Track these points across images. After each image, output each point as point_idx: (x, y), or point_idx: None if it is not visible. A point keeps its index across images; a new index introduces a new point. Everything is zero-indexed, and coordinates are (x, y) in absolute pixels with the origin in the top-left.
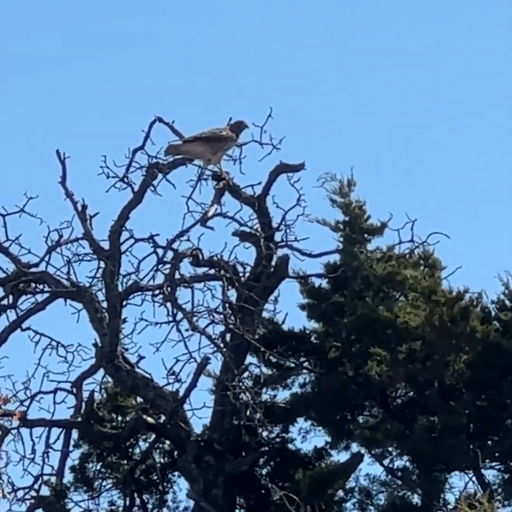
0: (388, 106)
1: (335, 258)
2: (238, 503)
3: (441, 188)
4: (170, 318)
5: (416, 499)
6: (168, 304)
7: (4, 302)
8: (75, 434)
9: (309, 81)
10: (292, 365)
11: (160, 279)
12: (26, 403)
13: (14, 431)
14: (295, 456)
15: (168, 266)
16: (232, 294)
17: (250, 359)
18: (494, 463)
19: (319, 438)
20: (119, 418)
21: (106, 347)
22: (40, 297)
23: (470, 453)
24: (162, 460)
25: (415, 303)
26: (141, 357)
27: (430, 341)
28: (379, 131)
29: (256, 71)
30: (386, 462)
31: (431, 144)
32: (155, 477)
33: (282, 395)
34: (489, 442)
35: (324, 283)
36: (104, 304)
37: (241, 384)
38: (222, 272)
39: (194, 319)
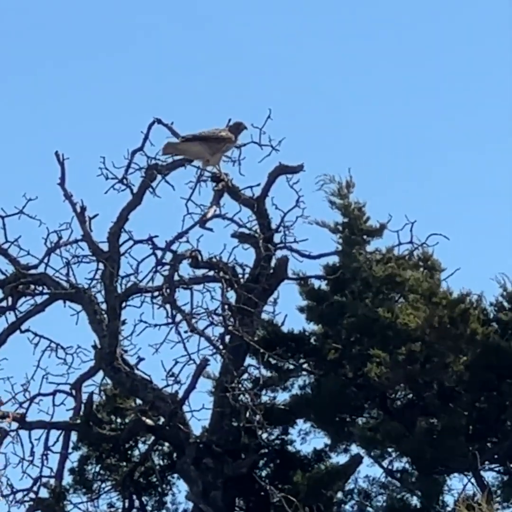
0: (387, 107)
1: (335, 259)
2: (238, 505)
3: (440, 189)
4: (169, 320)
5: (415, 501)
6: (167, 306)
7: (3, 304)
8: (74, 436)
9: (309, 81)
10: (292, 366)
11: (159, 280)
12: (25, 405)
13: (13, 433)
14: (294, 458)
15: (167, 267)
16: (231, 296)
17: (249, 360)
18: (493, 465)
19: (318, 440)
20: (118, 420)
21: (105, 349)
22: (39, 299)
23: (469, 455)
24: (161, 462)
25: (415, 304)
26: (140, 359)
27: (430, 343)
28: (378, 132)
29: (256, 71)
30: (385, 463)
31: (431, 145)
32: (154, 479)
33: (282, 397)
34: (489, 444)
35: (323, 284)
36: (103, 306)
37: (240, 385)
38: (221, 273)
39: (193, 320)
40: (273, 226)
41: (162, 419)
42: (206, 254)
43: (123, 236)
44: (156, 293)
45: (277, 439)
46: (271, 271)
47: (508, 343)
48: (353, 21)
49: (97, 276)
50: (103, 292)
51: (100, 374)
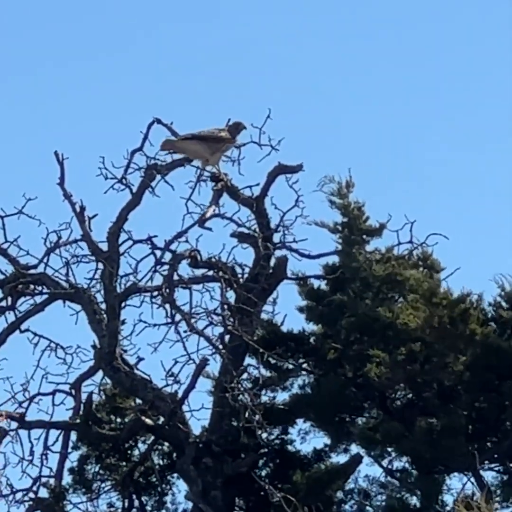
0: (387, 107)
1: (334, 259)
2: (237, 504)
3: (440, 189)
4: (169, 320)
5: (414, 500)
6: (167, 306)
7: (3, 303)
8: (73, 436)
9: (308, 81)
10: (291, 366)
11: (158, 280)
12: (25, 404)
13: (12, 433)
14: (294, 458)
15: (166, 267)
16: (231, 296)
17: (249, 360)
18: (493, 465)
19: (318, 440)
20: (118, 420)
21: (105, 348)
22: (38, 299)
23: (469, 454)
24: (161, 462)
25: (414, 304)
26: (140, 359)
27: (430, 343)
28: (377, 132)
29: (256, 71)
30: (385, 463)
31: (430, 145)
32: (154, 479)
33: (281, 397)
34: (488, 444)
35: (323, 284)
36: (103, 306)
37: (240, 385)
38: (221, 273)
39: (193, 320)
40: (272, 225)
41: (161, 419)
42: (205, 254)
43: (123, 236)
44: (155, 293)
45: (276, 438)
46: (271, 270)
47: (508, 343)
48: (353, 21)
49: (97, 276)
50: (102, 291)
51: (100, 373)
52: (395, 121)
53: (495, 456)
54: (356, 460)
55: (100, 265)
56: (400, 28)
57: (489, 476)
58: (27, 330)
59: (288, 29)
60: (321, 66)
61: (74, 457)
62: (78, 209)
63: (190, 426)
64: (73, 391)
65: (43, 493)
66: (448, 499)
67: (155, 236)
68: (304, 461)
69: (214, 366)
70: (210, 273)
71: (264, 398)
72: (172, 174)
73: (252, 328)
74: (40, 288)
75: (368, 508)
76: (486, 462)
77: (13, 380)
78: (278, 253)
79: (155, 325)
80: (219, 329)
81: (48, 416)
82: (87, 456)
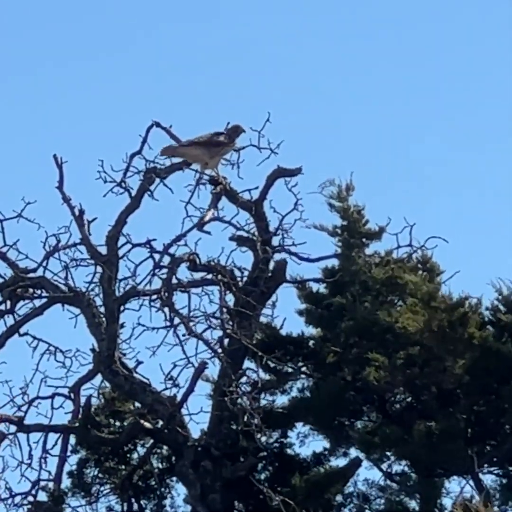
0: (387, 108)
1: (333, 262)
2: (236, 508)
3: (440, 192)
4: (168, 323)
5: (413, 504)
6: (166, 309)
7: (2, 307)
8: (72, 439)
9: (308, 82)
10: (290, 370)
11: (157, 284)
12: (24, 408)
13: (11, 436)
14: (293, 461)
15: (165, 270)
16: (230, 299)
17: (247, 364)
18: (492, 468)
19: (317, 443)
20: (117, 423)
21: (104, 352)
22: (37, 302)
23: (467, 458)
24: (159, 465)
25: (414, 308)
26: (138, 362)
27: (429, 347)
28: (377, 134)
29: (256, 71)
30: (384, 467)
31: (430, 148)
32: (153, 482)
33: (280, 400)
34: (487, 447)
35: (322, 287)
36: (102, 309)
37: (238, 389)
38: (220, 276)
39: (192, 324)
40: (271, 229)
41: (160, 422)
42: (204, 257)
43: (122, 239)
44: (154, 296)
45: (275, 442)
46: (270, 274)
47: (507, 346)
48: (353, 21)
49: (96, 280)
50: (101, 295)
51: (99, 377)
52: (395, 121)
53: (494, 459)
54: (355, 464)
55: (99, 269)
56: (400, 28)
57: (488, 479)
58: (26, 333)
59: (288, 29)
60: (321, 66)
61: (73, 460)
62: (77, 213)
63: (189, 430)
64: (72, 395)
65: (42, 496)
66: (447, 502)
67: (154, 239)
68: (303, 464)
69: (213, 370)
70: (209, 276)
71: (263, 402)
72: (171, 177)
73: (251, 332)
74: (39, 291)
75: (367, 511)
76: (485, 465)
77: (12, 384)
78: (277, 256)
79: (154, 328)
80: (218, 333)
81: (47, 420)
82: (86, 459)
